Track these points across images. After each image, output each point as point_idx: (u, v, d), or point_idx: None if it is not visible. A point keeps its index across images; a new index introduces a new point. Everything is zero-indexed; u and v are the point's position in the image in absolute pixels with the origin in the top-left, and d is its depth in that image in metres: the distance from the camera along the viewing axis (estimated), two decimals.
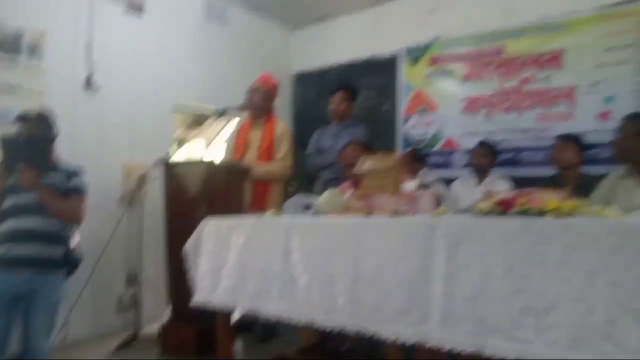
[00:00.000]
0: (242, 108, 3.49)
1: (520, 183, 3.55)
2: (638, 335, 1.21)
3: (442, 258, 1.53)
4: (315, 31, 5.23)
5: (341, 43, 5.01)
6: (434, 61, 4.41)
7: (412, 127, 4.54)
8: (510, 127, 4.00)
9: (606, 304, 1.25)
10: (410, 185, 2.11)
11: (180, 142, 4.40)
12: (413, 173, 4.05)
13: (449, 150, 4.32)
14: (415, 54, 4.51)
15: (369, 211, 1.96)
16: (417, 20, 4.50)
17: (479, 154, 3.78)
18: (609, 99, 3.59)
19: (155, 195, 3.41)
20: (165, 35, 4.13)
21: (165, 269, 3.16)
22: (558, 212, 1.40)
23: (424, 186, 2.01)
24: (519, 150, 3.97)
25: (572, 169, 3.34)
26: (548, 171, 3.55)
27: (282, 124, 3.49)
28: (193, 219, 2.44)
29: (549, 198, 1.44)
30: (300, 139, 4.62)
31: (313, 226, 1.93)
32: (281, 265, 1.91)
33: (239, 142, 3.49)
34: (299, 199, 2.33)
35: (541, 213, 1.42)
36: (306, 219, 2.04)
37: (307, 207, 2.30)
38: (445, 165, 4.32)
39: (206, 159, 3.36)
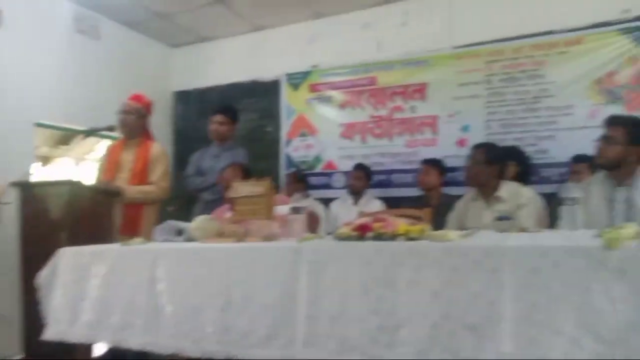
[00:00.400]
0: (112, 128, 3.27)
1: (392, 203, 3.84)
2: (474, 345, 1.36)
3: (306, 282, 1.59)
4: (197, 50, 5.17)
5: (223, 64, 5.01)
6: (314, 88, 4.59)
7: (294, 150, 4.66)
8: (382, 152, 4.30)
9: (448, 320, 1.39)
10: (283, 209, 2.16)
11: (44, 161, 4.03)
12: (295, 193, 4.18)
13: (329, 171, 4.50)
14: (296, 80, 4.67)
15: (242, 237, 1.97)
16: (298, 48, 4.66)
17: (354, 176, 4.00)
18: (465, 128, 4.03)
19: (10, 218, 3.07)
20: (29, 47, 3.79)
21: (19, 302, 2.84)
22: (407, 236, 1.54)
23: (296, 210, 2.07)
24: (390, 172, 4.26)
25: (434, 190, 3.69)
26: (415, 192, 3.88)
27: (158, 145, 3.33)
28: (54, 245, 2.24)
29: (400, 223, 1.57)
30: (181, 158, 4.51)
31: (181, 253, 1.89)
32: (146, 296, 1.83)
33: (109, 164, 3.25)
34: (169, 224, 2.26)
35: (393, 237, 1.55)
36: (174, 246, 1.99)
37: (179, 233, 2.24)
38: (325, 186, 4.49)
39: (71, 179, 3.11)
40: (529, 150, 3.71)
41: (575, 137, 3.61)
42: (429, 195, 3.70)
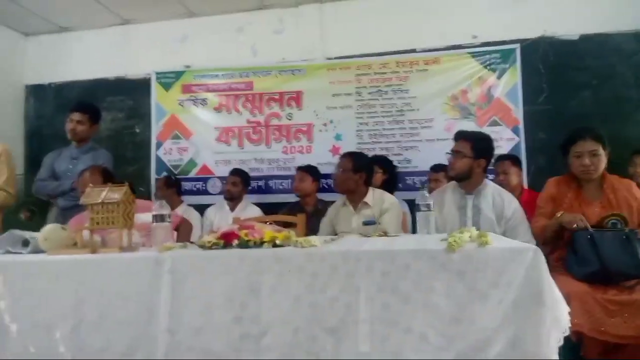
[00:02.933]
0: None
1: (269, 209, 3.85)
2: (333, 347, 1.41)
3: (167, 293, 1.52)
4: (55, 41, 4.69)
5: (86, 57, 4.62)
6: (187, 88, 4.44)
7: (166, 153, 4.44)
8: (259, 157, 4.29)
9: (308, 324, 1.42)
10: (146, 216, 2.04)
11: None
12: (167, 199, 3.98)
13: (205, 177, 4.37)
14: (168, 79, 4.47)
15: (97, 247, 1.82)
16: (170, 46, 4.48)
17: (231, 182, 3.93)
18: (338, 137, 4.19)
19: None
20: None
21: None
22: (273, 243, 1.54)
23: (160, 217, 1.96)
24: (267, 178, 4.27)
25: (310, 196, 3.77)
26: (292, 198, 3.93)
27: None
28: None
29: (267, 230, 1.57)
30: (34, 160, 4.06)
31: (25, 266, 1.69)
32: None
33: None
34: (13, 234, 2.00)
35: (259, 244, 1.54)
36: (18, 259, 1.77)
37: (25, 244, 2.00)
38: (201, 192, 4.35)
39: None
40: (395, 159, 3.98)
41: (434, 148, 3.96)
42: (304, 202, 3.77)
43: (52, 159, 3.41)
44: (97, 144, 3.56)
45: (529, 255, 1.34)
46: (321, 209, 3.54)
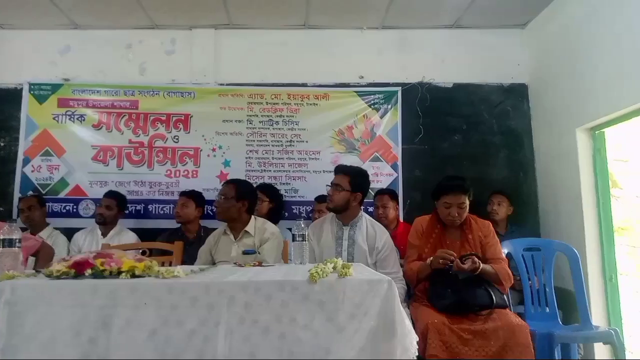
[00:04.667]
0: None
1: (148, 235, 3.64)
2: None
3: (3, 328, 1.36)
4: None
5: None
6: (64, 102, 4.10)
7: (34, 170, 4.04)
8: (140, 180, 4.07)
9: (163, 356, 1.35)
10: None
11: None
12: (35, 220, 3.59)
13: (77, 197, 4.03)
14: (43, 91, 4.10)
15: None
16: (47, 56, 4.14)
17: (105, 204, 3.67)
18: (226, 163, 4.13)
19: None
20: None
21: None
22: (132, 273, 1.45)
23: (8, 242, 1.76)
24: (147, 202, 4.05)
25: (192, 223, 3.65)
26: (173, 224, 3.76)
27: None
28: None
29: (126, 259, 1.48)
30: None
31: None
32: None
33: None
34: None
35: (116, 274, 1.45)
36: None
37: None
38: (71, 214, 4.00)
39: None
40: (282, 188, 4.02)
41: (320, 179, 4.04)
42: (186, 228, 3.64)
43: None
44: None
45: (384, 286, 1.41)
46: (204, 236, 3.43)
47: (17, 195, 3.98)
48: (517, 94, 4.23)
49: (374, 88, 4.22)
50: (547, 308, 2.89)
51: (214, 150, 4.14)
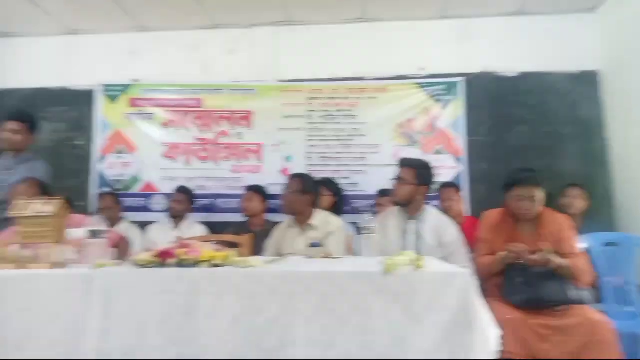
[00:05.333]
0: None
1: (215, 228, 3.77)
2: None
3: (98, 313, 1.46)
4: None
5: (27, 65, 4.42)
6: (134, 102, 4.32)
7: (109, 167, 4.29)
8: (207, 175, 4.22)
9: (245, 346, 1.40)
10: (80, 232, 1.96)
11: None
12: (112, 215, 3.82)
13: (148, 193, 4.24)
14: (114, 92, 4.34)
15: (26, 263, 1.72)
16: (117, 59, 4.37)
17: (176, 199, 3.84)
18: (288, 158, 4.20)
19: None
20: None
21: None
22: (211, 263, 1.51)
23: (95, 233, 1.88)
24: (214, 197, 4.20)
25: (258, 216, 3.74)
26: (239, 217, 3.88)
27: None
28: None
29: (205, 249, 1.54)
30: None
31: None
32: None
33: None
34: None
35: (196, 263, 1.51)
36: None
37: None
38: (143, 208, 4.21)
39: None
40: (343, 182, 4.03)
41: (381, 173, 4.03)
42: (252, 222, 3.73)
43: None
44: (35, 155, 3.39)
45: (462, 279, 1.39)
46: (268, 229, 3.50)
47: (93, 191, 4.24)
48: (587, 81, 4.01)
49: (435, 79, 4.14)
50: (629, 306, 2.72)
51: (275, 145, 4.21)
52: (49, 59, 4.42)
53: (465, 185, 3.95)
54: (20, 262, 1.69)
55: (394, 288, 1.40)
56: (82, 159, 4.30)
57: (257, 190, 3.77)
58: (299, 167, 4.06)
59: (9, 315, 1.51)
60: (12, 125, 3.20)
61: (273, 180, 4.10)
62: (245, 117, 4.25)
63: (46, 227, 1.69)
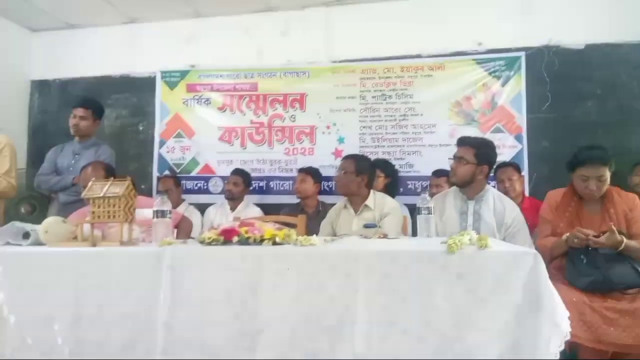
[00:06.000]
0: None
1: (270, 209, 3.84)
2: (330, 347, 1.40)
3: (167, 288, 1.52)
4: (61, 37, 4.70)
5: (91, 54, 4.62)
6: (192, 88, 4.44)
7: (169, 151, 4.45)
8: (261, 158, 4.29)
9: (306, 323, 1.42)
10: (147, 212, 2.04)
11: None
12: (172, 197, 3.97)
13: (206, 175, 4.37)
14: (173, 78, 4.47)
15: (97, 241, 1.82)
16: (175, 45, 4.48)
17: (232, 182, 3.93)
18: (341, 139, 4.19)
19: None
20: None
21: None
22: (273, 241, 1.54)
23: (161, 213, 1.96)
24: (269, 179, 4.27)
25: (311, 198, 3.77)
26: (293, 199, 3.93)
27: (2, 136, 2.92)
28: None
29: (267, 228, 1.57)
30: (37, 154, 4.08)
31: (25, 258, 1.70)
32: None
33: None
34: (14, 226, 2.00)
35: (259, 241, 1.54)
36: (17, 250, 1.77)
37: (26, 236, 2.00)
38: (202, 190, 4.35)
39: None
40: (397, 163, 3.97)
41: (436, 153, 3.95)
42: (305, 203, 3.77)
43: (55, 154, 3.43)
44: (100, 140, 3.57)
45: (529, 259, 1.34)
46: (322, 211, 3.54)
47: (155, 174, 4.42)
48: None
49: (494, 55, 3.97)
50: None
51: (328, 127, 4.21)
52: (111, 47, 4.60)
53: (525, 165, 3.79)
54: (92, 240, 1.79)
55: (457, 268, 1.37)
56: (144, 143, 4.48)
57: (310, 172, 3.80)
58: (351, 149, 4.03)
59: (84, 289, 1.60)
60: (80, 112, 3.39)
61: (326, 162, 4.12)
62: (298, 100, 4.27)
63: (116, 207, 1.78)
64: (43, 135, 4.55)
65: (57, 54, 4.69)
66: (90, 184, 1.87)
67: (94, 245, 1.74)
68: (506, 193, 3.33)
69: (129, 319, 1.55)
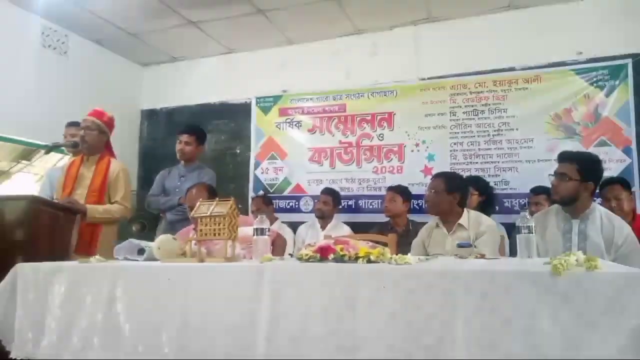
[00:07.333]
0: (72, 144, 3.19)
1: (359, 228, 3.88)
2: None
3: (267, 302, 1.59)
4: (167, 70, 5.19)
5: (193, 84, 5.05)
6: (284, 112, 4.66)
7: (263, 172, 4.67)
8: (350, 177, 4.36)
9: (403, 341, 1.42)
10: (247, 229, 2.17)
11: (3, 176, 3.92)
12: (262, 215, 4.15)
13: (298, 195, 4.52)
14: (266, 103, 4.73)
15: (203, 257, 1.96)
16: (269, 72, 4.74)
17: (322, 201, 4.03)
18: (430, 157, 4.14)
19: None
20: None
21: None
22: (367, 258, 1.57)
23: (261, 231, 2.07)
24: (358, 198, 4.32)
25: (400, 216, 3.75)
26: (382, 218, 3.93)
27: (117, 163, 3.18)
28: (9, 261, 2.15)
29: (361, 245, 1.60)
30: (146, 177, 4.45)
31: (141, 272, 1.86)
32: (104, 315, 1.79)
33: (67, 180, 3.09)
34: (130, 243, 2.22)
35: (354, 259, 1.58)
36: (134, 265, 1.96)
37: (140, 252, 2.21)
38: (294, 209, 4.51)
39: (29, 194, 3.01)
40: (491, 180, 3.84)
41: (534, 169, 3.77)
42: (395, 222, 3.75)
43: (163, 177, 3.74)
44: (202, 163, 3.85)
45: None
46: (411, 229, 3.51)
47: (251, 194, 4.66)
48: None
49: (595, 64, 3.74)
50: None
51: (417, 145, 4.19)
52: (211, 77, 5.00)
53: (635, 181, 3.48)
54: (199, 256, 1.93)
55: (563, 290, 1.29)
56: (241, 165, 4.76)
57: (399, 190, 3.78)
58: (442, 166, 3.98)
59: (191, 302, 1.73)
60: (184, 138, 3.68)
61: (415, 180, 4.09)
62: (386, 119, 4.30)
63: (221, 225, 1.91)
64: (152, 160, 4.99)
65: (164, 85, 5.16)
66: (197, 204, 2.03)
67: (201, 260, 1.87)
68: (616, 212, 3.07)
69: (231, 331, 1.62)
